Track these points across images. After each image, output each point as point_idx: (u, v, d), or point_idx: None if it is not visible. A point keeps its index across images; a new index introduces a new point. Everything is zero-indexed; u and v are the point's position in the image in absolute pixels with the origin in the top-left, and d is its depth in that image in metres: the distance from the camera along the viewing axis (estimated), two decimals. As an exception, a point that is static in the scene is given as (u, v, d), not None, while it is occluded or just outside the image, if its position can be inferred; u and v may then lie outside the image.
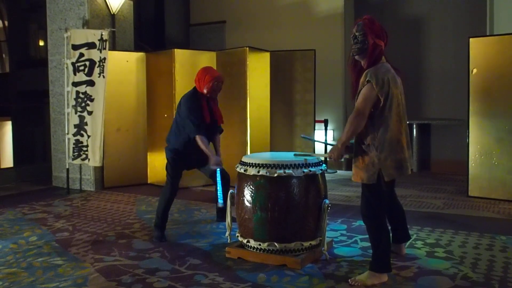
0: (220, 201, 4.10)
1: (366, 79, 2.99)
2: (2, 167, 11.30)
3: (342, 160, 3.16)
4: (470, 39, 5.62)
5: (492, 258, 3.52)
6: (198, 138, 4.06)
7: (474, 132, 5.62)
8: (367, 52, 3.06)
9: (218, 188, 4.13)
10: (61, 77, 6.69)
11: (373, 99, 2.98)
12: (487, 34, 6.90)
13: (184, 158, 4.22)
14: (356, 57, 3.15)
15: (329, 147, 7.72)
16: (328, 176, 6.21)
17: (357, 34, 3.08)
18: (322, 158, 3.86)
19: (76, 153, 6.19)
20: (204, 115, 4.15)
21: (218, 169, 4.13)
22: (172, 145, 4.22)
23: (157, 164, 6.77)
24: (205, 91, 4.13)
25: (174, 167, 4.20)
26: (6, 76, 12.41)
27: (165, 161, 4.27)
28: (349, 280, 3.09)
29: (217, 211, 4.64)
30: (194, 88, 4.22)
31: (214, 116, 4.27)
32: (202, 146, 4.07)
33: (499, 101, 5.48)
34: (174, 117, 4.36)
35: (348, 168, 7.98)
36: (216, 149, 4.35)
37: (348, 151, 3.15)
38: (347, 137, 3.03)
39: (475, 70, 5.58)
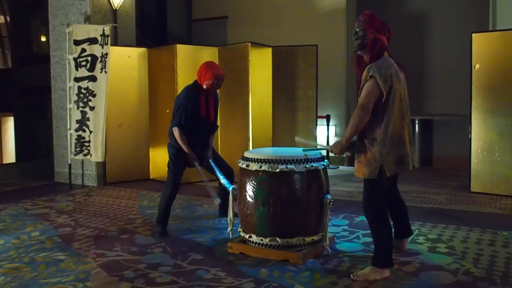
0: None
1: (369, 74, 2.98)
2: (4, 162, 11.32)
3: (344, 156, 3.16)
4: (473, 35, 5.60)
5: (494, 253, 3.52)
6: (175, 130, 4.08)
7: (477, 127, 5.61)
8: (368, 48, 3.06)
9: (219, 179, 4.16)
10: (63, 73, 6.69)
11: (376, 94, 2.97)
12: (490, 29, 6.87)
13: (185, 154, 4.22)
14: (359, 52, 3.15)
15: (331, 141, 7.72)
16: (330, 172, 6.20)
17: (357, 30, 3.10)
18: (324, 152, 3.86)
19: (78, 149, 6.20)
20: (200, 109, 4.17)
21: (211, 161, 4.25)
22: (172, 141, 4.22)
23: (159, 159, 6.78)
24: (204, 86, 4.14)
25: (176, 164, 4.20)
26: (8, 72, 12.41)
27: (167, 156, 4.27)
28: (351, 275, 3.09)
29: (219, 206, 4.64)
30: (195, 81, 4.23)
31: (209, 111, 4.27)
32: (179, 140, 4.09)
33: (502, 97, 5.46)
34: None
35: (350, 163, 7.98)
36: (209, 145, 4.36)
37: (350, 148, 3.15)
38: (351, 132, 3.02)
39: (477, 66, 5.57)
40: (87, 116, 6.12)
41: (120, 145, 6.74)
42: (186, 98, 4.12)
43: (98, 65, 6.06)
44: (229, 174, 4.39)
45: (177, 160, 4.20)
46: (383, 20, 3.12)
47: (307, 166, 3.41)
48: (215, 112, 4.37)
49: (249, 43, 6.41)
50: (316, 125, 6.92)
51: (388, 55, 3.13)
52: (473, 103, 5.61)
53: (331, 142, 7.85)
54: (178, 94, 4.28)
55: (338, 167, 7.85)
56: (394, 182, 3.40)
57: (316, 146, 3.77)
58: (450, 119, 8.05)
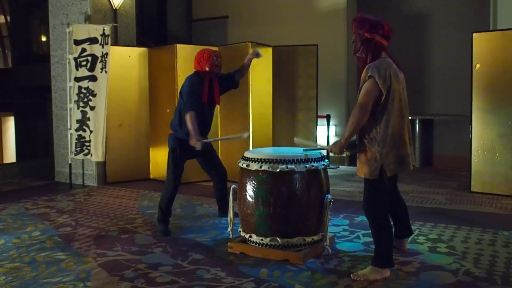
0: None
1: (368, 74, 3.00)
2: (4, 162, 11.33)
3: (344, 155, 3.17)
4: (474, 34, 5.59)
5: (495, 253, 3.52)
6: (188, 115, 4.01)
7: (477, 127, 5.60)
8: (361, 49, 3.11)
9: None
10: (63, 72, 6.69)
11: (375, 94, 2.98)
12: (491, 29, 6.87)
13: (187, 146, 4.20)
14: (357, 54, 3.18)
15: (331, 141, 7.72)
16: (330, 172, 6.20)
17: (352, 33, 3.14)
18: (324, 152, 3.86)
19: (78, 148, 6.20)
20: (203, 94, 4.17)
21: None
22: (177, 132, 4.19)
23: (159, 159, 6.78)
24: (207, 68, 4.17)
25: (177, 158, 4.19)
26: (8, 72, 12.42)
27: (167, 153, 4.25)
28: (351, 275, 3.09)
29: (219, 206, 4.65)
30: (195, 72, 4.26)
31: (213, 96, 4.27)
32: (189, 124, 4.00)
33: (502, 96, 5.46)
34: (177, 103, 4.37)
35: (351, 163, 7.98)
36: (245, 66, 4.55)
37: (350, 147, 3.15)
38: (350, 132, 3.03)
39: (478, 65, 5.56)
40: (87, 116, 6.12)
41: (120, 144, 6.74)
42: (190, 84, 4.14)
43: (98, 65, 6.06)
44: (221, 174, 4.41)
45: (179, 154, 4.19)
46: (377, 18, 3.13)
47: (307, 166, 3.41)
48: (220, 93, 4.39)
49: (249, 43, 6.40)
50: (316, 125, 6.92)
51: (387, 55, 3.14)
52: (473, 102, 5.61)
53: (332, 142, 7.86)
54: (181, 86, 4.28)
55: (339, 167, 7.84)
56: (394, 182, 3.40)
57: (316, 146, 3.76)
58: (450, 119, 8.04)
